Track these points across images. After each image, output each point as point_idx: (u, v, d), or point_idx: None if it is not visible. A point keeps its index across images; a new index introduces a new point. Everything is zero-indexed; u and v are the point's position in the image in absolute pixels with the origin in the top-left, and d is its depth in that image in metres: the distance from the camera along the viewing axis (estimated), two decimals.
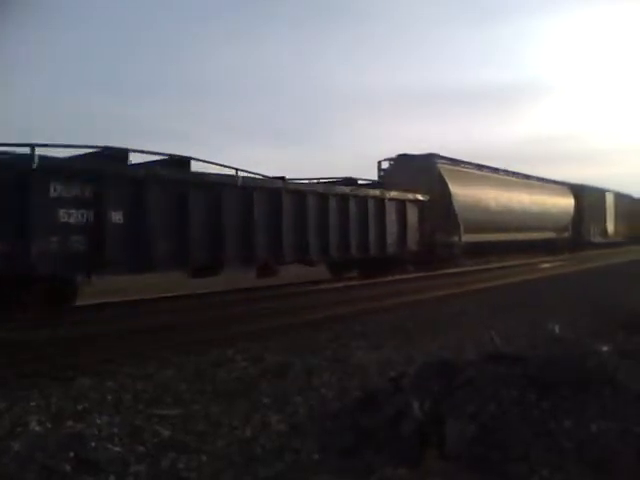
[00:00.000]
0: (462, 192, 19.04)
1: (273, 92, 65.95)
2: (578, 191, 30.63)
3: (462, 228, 18.63)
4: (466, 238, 18.85)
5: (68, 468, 3.27)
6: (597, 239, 32.00)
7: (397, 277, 15.34)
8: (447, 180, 18.65)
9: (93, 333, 7.68)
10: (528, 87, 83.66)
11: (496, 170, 23.87)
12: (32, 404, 4.54)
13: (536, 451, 2.88)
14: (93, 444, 3.62)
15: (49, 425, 4.02)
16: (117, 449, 3.54)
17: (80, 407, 4.45)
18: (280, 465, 3.28)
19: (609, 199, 35.04)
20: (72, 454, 3.43)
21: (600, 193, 33.91)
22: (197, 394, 4.77)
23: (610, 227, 34.53)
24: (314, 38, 74.31)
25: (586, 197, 31.14)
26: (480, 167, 22.80)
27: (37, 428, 3.96)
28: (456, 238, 18.42)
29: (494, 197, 21.32)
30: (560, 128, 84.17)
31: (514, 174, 25.43)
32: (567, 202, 29.09)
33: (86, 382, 5.21)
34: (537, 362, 3.70)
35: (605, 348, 4.16)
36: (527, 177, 26.51)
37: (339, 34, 72.62)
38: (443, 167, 19.33)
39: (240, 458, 3.41)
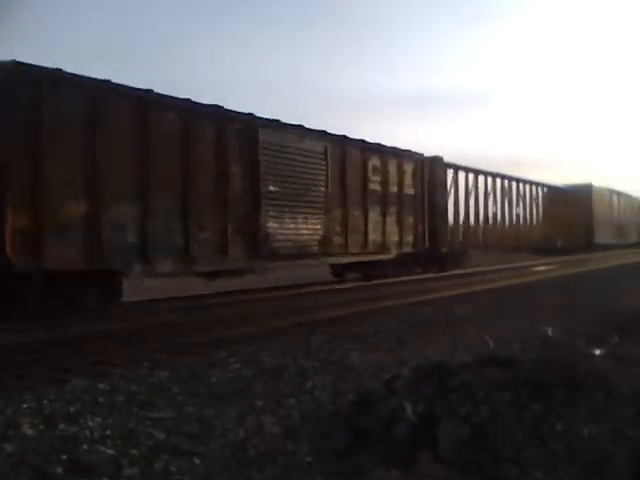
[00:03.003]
0: None
1: (269, 93, 65.89)
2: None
3: None
4: None
5: (60, 471, 3.26)
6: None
7: None
8: None
9: (87, 334, 7.66)
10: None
11: None
12: (24, 406, 4.52)
13: (529, 453, 2.89)
14: (86, 447, 3.61)
15: (42, 427, 4.00)
16: (110, 452, 3.54)
17: (73, 409, 4.44)
18: (274, 467, 3.28)
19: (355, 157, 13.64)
20: (64, 456, 3.42)
21: (296, 137, 12.14)
22: (191, 396, 4.77)
23: (377, 232, 14.36)
24: (305, 39, 74.36)
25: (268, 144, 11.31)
26: None
27: (29, 431, 3.95)
28: None
29: None
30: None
31: None
32: None
33: (79, 384, 5.20)
34: (530, 365, 3.71)
35: (598, 351, 4.18)
36: None
37: (325, 36, 72.65)
38: None
39: (234, 461, 3.41)
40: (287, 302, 11.12)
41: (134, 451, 3.54)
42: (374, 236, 14.41)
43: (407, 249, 15.72)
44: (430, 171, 17.13)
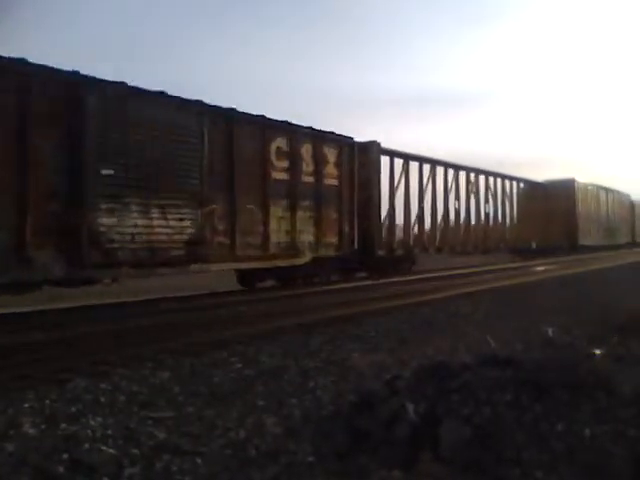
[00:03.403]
0: None
1: (269, 93, 65.91)
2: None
3: None
4: None
5: (62, 470, 3.27)
6: None
7: None
8: None
9: (88, 334, 7.67)
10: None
11: None
12: (26, 406, 4.53)
13: (530, 454, 2.89)
14: (87, 446, 3.61)
15: (43, 427, 4.01)
16: (111, 451, 3.54)
17: (74, 409, 4.44)
18: (275, 467, 3.28)
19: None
20: (66, 456, 3.43)
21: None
22: (192, 396, 4.77)
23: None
24: (305, 39, 74.41)
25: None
26: None
27: (31, 430, 3.96)
28: None
29: None
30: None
31: None
32: None
33: (81, 383, 5.20)
34: (531, 365, 3.71)
35: (599, 351, 4.18)
36: None
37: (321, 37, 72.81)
38: None
39: (235, 460, 3.41)
40: (287, 302, 11.12)
41: (135, 451, 3.55)
42: (278, 236, 11.70)
43: (328, 252, 13.02)
44: (363, 159, 14.10)
